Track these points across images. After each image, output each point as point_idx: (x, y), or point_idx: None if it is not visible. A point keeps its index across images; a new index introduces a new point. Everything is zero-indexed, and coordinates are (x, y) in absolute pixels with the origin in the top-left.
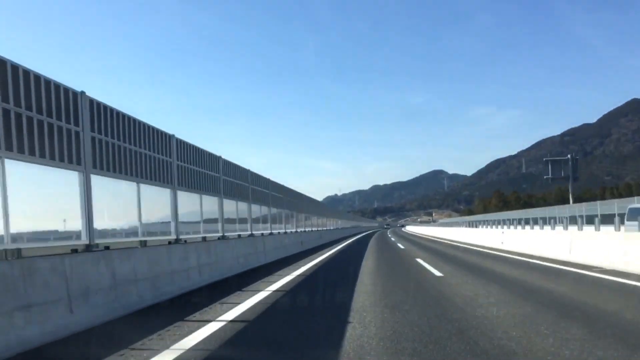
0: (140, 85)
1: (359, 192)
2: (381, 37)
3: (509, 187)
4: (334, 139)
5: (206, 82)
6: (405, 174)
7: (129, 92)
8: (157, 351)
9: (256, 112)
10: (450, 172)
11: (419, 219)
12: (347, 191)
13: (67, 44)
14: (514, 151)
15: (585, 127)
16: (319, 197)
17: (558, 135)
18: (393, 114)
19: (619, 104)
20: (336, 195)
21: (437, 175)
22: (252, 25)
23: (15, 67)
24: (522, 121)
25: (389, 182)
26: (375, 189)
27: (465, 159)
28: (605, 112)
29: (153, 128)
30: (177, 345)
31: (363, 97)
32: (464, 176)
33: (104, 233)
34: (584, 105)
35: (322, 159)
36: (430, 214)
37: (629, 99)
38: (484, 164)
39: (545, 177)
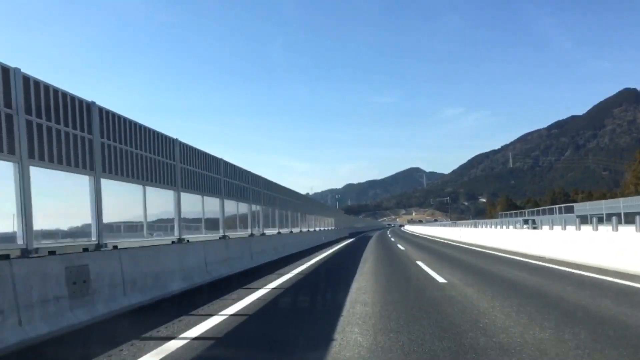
0: (108, 81)
1: (331, 191)
2: (348, 37)
3: (496, 183)
4: (306, 139)
5: (173, 81)
6: (379, 174)
7: (88, 87)
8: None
9: (225, 111)
10: (427, 170)
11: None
12: (319, 190)
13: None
14: (496, 146)
15: (574, 119)
16: None
17: (544, 129)
18: (364, 114)
19: (610, 94)
20: (308, 194)
21: (413, 173)
22: (219, 22)
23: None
24: (491, 122)
25: (363, 180)
26: (349, 187)
27: (441, 158)
28: (596, 103)
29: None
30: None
31: (333, 98)
32: (442, 174)
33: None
34: (570, 100)
35: (294, 159)
36: (410, 213)
37: (620, 88)
38: (464, 160)
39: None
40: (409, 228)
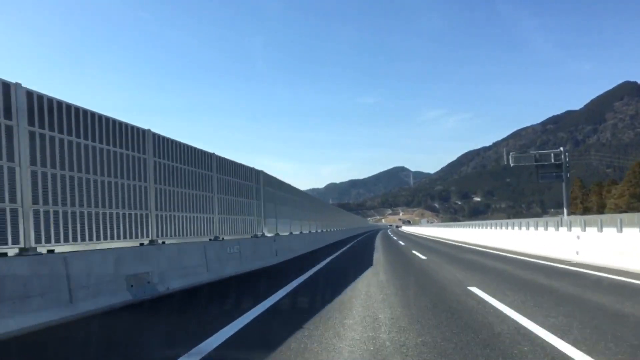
0: (86, 79)
1: (313, 191)
2: (330, 38)
3: (491, 181)
4: (288, 139)
5: (153, 80)
6: (362, 174)
7: (64, 84)
8: None
9: (204, 110)
10: (414, 169)
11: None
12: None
13: None
14: (487, 142)
15: (571, 114)
16: None
17: (539, 124)
18: (346, 114)
19: (610, 87)
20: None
21: (399, 173)
22: (199, 23)
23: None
24: (473, 123)
25: (345, 179)
26: (331, 187)
27: (426, 159)
28: (594, 97)
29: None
30: None
31: (315, 98)
32: (428, 174)
33: None
34: (553, 100)
35: (275, 158)
36: (397, 213)
37: (620, 81)
38: (449, 160)
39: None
40: (411, 229)
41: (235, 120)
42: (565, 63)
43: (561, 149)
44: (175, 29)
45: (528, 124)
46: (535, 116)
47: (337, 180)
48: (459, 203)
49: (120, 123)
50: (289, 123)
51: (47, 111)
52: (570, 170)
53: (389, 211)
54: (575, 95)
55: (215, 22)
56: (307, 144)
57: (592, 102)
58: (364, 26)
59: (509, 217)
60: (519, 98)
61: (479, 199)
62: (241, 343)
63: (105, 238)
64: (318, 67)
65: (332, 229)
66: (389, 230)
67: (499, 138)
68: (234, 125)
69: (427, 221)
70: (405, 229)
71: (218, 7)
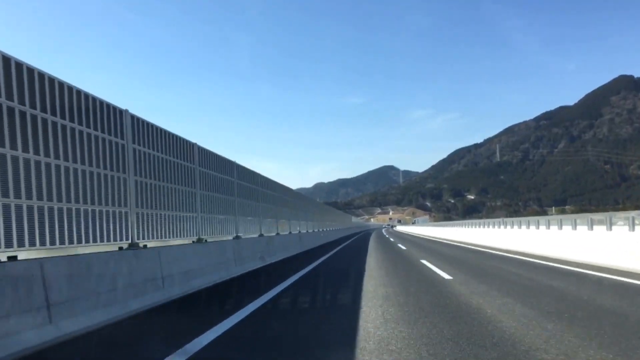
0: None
1: (301, 190)
2: (316, 37)
3: (484, 178)
4: (275, 139)
5: (138, 79)
6: (351, 173)
7: None
8: None
9: (190, 110)
10: (402, 168)
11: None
12: None
13: None
14: (479, 139)
15: (564, 109)
16: None
17: (532, 120)
18: (333, 114)
19: (606, 82)
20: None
21: (387, 172)
22: (184, 25)
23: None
24: (461, 123)
25: (333, 179)
26: (319, 187)
27: (415, 158)
28: (589, 91)
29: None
30: None
31: (301, 98)
32: (417, 173)
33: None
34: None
35: (263, 158)
36: (387, 212)
37: (616, 75)
38: (437, 159)
39: None
40: (406, 229)
41: (219, 120)
42: (551, 61)
43: None
44: (160, 27)
45: (519, 120)
46: (527, 113)
47: (325, 180)
48: (452, 201)
49: (94, 98)
50: (275, 123)
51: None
52: (566, 167)
53: (378, 210)
54: (568, 91)
55: (200, 19)
56: (294, 145)
57: (587, 96)
58: (349, 26)
59: (507, 216)
60: (506, 96)
61: (472, 197)
62: None
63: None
64: (304, 67)
65: (316, 230)
66: (383, 230)
67: (490, 135)
68: (219, 124)
69: (427, 219)
70: (401, 228)
71: (203, 5)
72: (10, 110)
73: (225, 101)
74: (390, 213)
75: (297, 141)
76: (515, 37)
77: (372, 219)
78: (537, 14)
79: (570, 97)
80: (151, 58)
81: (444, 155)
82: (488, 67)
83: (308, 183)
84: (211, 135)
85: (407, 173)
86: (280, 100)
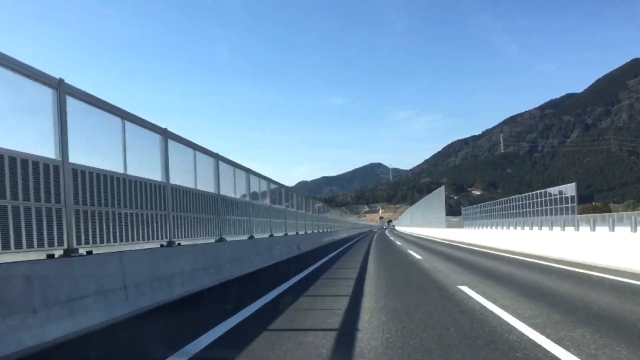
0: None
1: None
2: (295, 38)
3: (489, 172)
4: (257, 140)
5: (118, 78)
6: (336, 172)
7: None
8: None
9: (172, 111)
10: (391, 166)
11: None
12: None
13: None
14: (477, 131)
15: (572, 97)
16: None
17: (537, 109)
18: (315, 115)
19: (618, 65)
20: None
21: (375, 169)
22: (164, 22)
23: None
24: (443, 124)
25: (317, 177)
26: (301, 185)
27: (401, 157)
28: (602, 75)
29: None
30: None
31: (283, 99)
32: (406, 171)
33: None
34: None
35: (245, 160)
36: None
37: (628, 59)
38: (432, 153)
39: None
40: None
41: (200, 120)
42: (531, 64)
43: None
44: (132, 24)
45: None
46: (526, 104)
47: (309, 178)
48: (455, 197)
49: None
50: (256, 124)
51: None
52: (585, 159)
53: (366, 208)
54: (574, 80)
55: (176, 11)
56: (276, 146)
57: (599, 82)
58: (327, 32)
59: None
60: (485, 97)
61: (479, 193)
62: None
63: None
64: (284, 68)
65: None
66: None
67: (489, 126)
68: (200, 125)
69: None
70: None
71: (184, 13)
72: None
73: (206, 102)
74: (380, 211)
75: (279, 142)
76: (494, 39)
77: (361, 220)
78: (517, 18)
79: (577, 84)
80: (127, 58)
81: (435, 151)
82: (468, 69)
83: (291, 182)
84: (191, 136)
85: (396, 171)
86: (261, 102)
